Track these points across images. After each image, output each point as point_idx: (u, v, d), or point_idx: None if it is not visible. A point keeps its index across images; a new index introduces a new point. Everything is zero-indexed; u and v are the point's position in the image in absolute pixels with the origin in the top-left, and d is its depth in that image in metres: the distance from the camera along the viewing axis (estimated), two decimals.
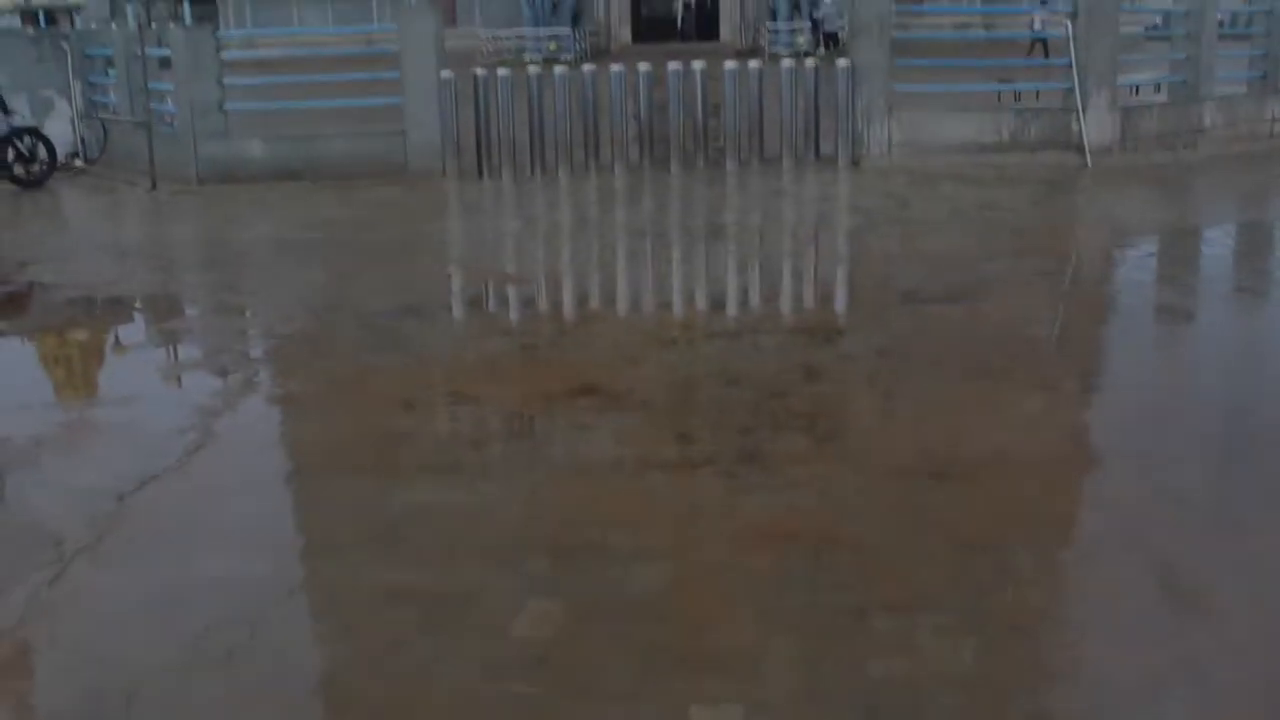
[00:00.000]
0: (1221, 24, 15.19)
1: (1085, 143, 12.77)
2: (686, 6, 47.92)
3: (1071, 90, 12.86)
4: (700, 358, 6.54)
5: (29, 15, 28.01)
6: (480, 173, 13.19)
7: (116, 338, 7.61)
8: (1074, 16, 12.97)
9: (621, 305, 7.81)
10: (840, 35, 25.50)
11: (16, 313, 8.36)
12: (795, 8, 29.67)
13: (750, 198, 11.99)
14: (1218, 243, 10.01)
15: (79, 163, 14.86)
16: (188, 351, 7.12)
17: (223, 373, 6.44)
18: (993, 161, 12.59)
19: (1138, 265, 9.14)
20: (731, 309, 7.69)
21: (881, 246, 9.70)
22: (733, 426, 5.16)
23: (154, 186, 13.16)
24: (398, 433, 5.30)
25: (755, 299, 7.96)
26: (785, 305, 7.80)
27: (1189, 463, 4.70)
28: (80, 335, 7.59)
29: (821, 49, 28.06)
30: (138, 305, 8.41)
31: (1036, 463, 4.68)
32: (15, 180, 13.53)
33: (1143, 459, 4.71)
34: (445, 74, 13.04)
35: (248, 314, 8.06)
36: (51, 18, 30.05)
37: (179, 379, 6.59)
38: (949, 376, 5.84)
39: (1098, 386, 6.03)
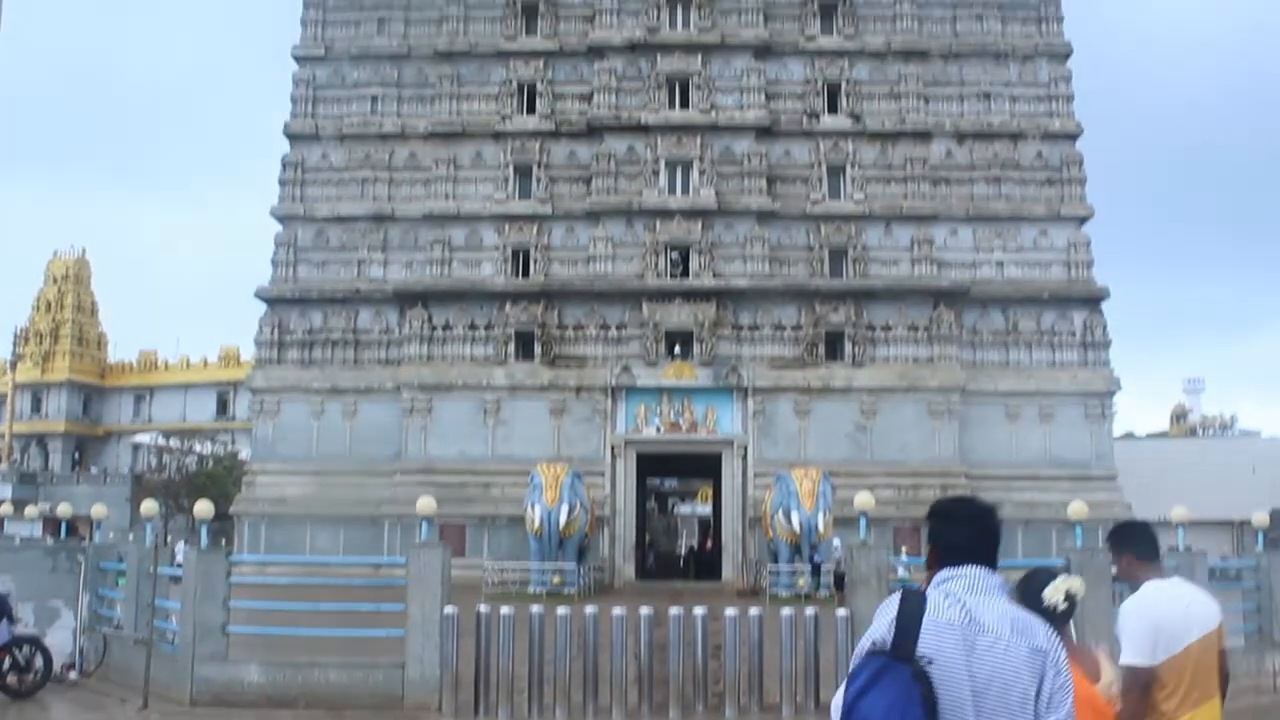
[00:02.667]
0: (1213, 573, 15.55)
1: None
2: (690, 547, 49.17)
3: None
4: None
5: (51, 521, 28.91)
6: (476, 709, 13.00)
7: None
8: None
9: None
10: (844, 572, 25.94)
11: None
12: (796, 551, 30.36)
13: None
14: None
15: (74, 675, 14.73)
16: None
17: None
18: None
19: None
20: None
21: None
22: None
23: (145, 705, 12.96)
24: None
25: None
26: None
27: None
28: None
29: (825, 590, 28.44)
30: None
31: None
32: (6, 690, 13.38)
33: None
34: (449, 609, 13.19)
35: None
36: (72, 526, 30.96)
37: None
38: None
39: None
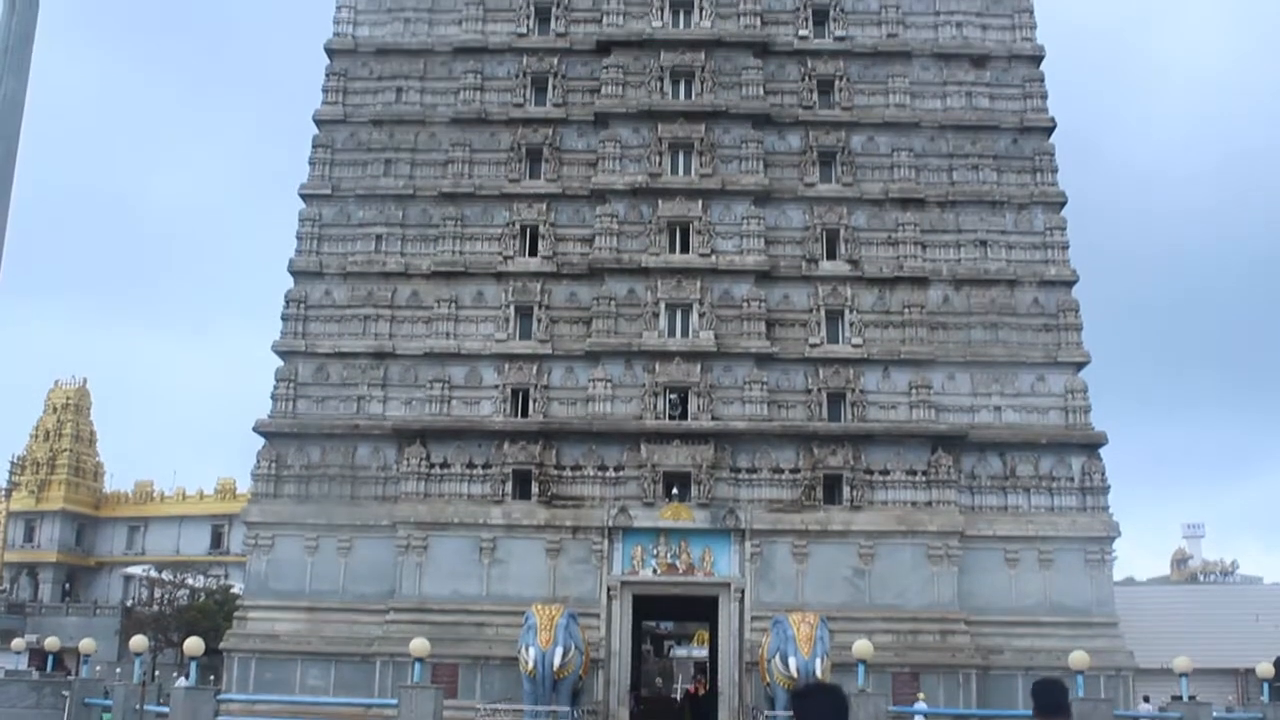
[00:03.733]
0: None
1: None
2: (686, 691, 48.47)
3: None
4: None
5: (38, 653, 28.46)
6: None
7: None
8: None
9: None
10: None
11: None
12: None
13: None
14: None
15: None
16: None
17: None
18: None
19: None
20: None
21: None
22: None
23: None
24: None
25: None
26: None
27: None
28: None
29: None
30: None
31: None
32: None
33: None
34: None
35: None
36: (59, 659, 30.47)
37: None
38: None
39: None
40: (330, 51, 42.65)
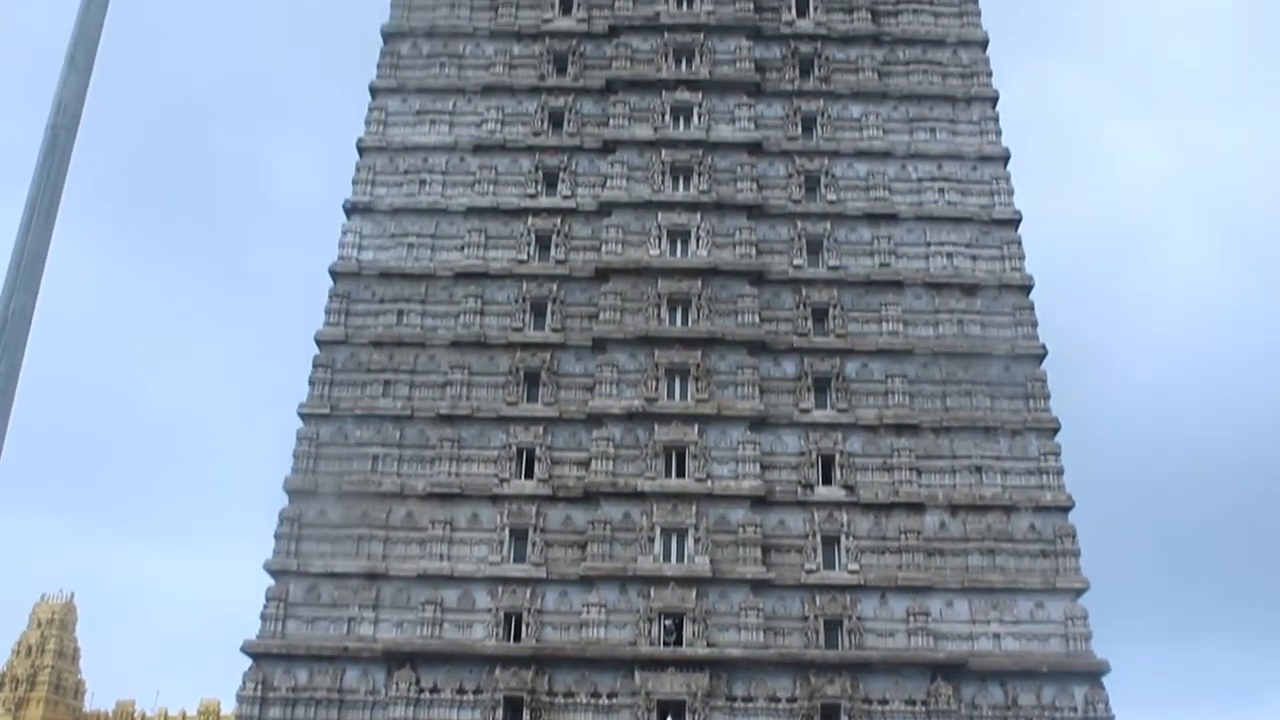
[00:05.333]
0: None
1: None
2: None
3: None
4: None
5: None
6: None
7: None
8: None
9: None
10: None
11: None
12: None
13: None
14: None
15: None
16: None
17: None
18: None
19: None
20: None
21: None
22: None
23: None
24: None
25: None
26: None
27: None
28: None
29: None
30: None
31: None
32: None
33: None
34: None
35: None
36: None
37: None
38: None
39: None
40: (335, 274, 43.58)
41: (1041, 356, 41.91)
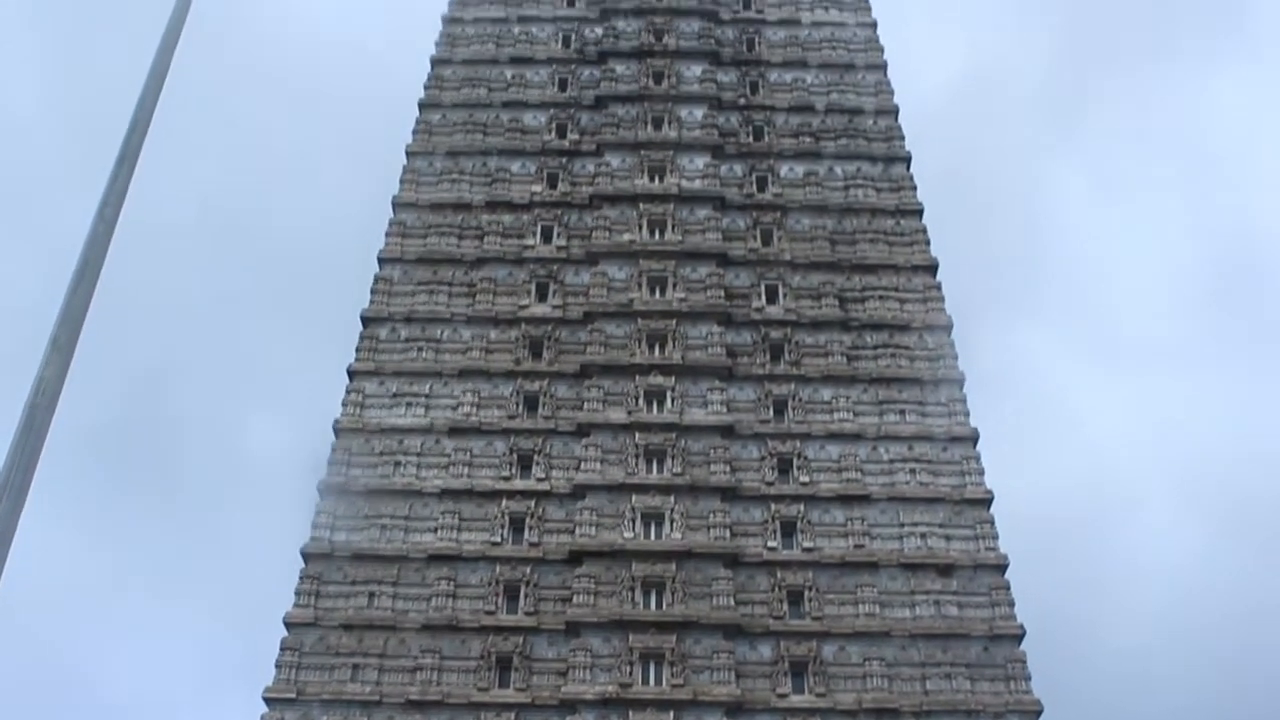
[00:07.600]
0: None
1: None
2: None
3: None
4: None
5: None
6: None
7: None
8: None
9: None
10: None
11: None
12: None
13: None
14: None
15: None
16: None
17: None
18: None
19: None
20: None
21: None
22: None
23: None
24: None
25: None
26: None
27: None
28: None
29: None
30: None
31: None
32: None
33: None
34: None
35: None
36: None
37: None
38: None
39: None
40: (306, 555, 43.20)
41: (1020, 636, 41.43)
